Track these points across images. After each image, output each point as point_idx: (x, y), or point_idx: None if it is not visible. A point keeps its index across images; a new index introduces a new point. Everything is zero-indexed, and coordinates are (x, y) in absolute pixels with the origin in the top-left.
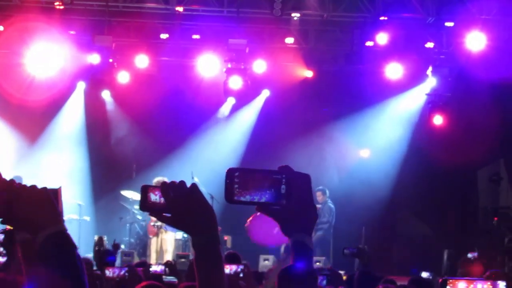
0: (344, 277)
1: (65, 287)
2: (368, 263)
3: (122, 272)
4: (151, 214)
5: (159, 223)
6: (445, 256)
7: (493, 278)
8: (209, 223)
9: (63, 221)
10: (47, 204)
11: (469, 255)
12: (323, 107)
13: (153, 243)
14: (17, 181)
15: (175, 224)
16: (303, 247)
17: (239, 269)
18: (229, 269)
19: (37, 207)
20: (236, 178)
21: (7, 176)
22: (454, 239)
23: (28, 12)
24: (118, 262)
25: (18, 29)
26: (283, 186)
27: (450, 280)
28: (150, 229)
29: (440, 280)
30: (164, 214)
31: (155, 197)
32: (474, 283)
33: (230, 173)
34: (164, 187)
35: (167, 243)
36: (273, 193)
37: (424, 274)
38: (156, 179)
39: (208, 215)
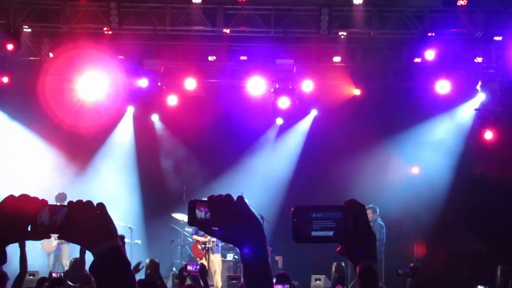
0: None
1: None
2: (421, 282)
3: None
4: (201, 229)
5: (205, 245)
6: (499, 272)
7: None
8: (256, 235)
9: (117, 237)
10: (103, 220)
11: None
12: (371, 125)
13: None
14: (62, 199)
15: (224, 238)
16: (371, 273)
17: None
18: None
19: (94, 223)
20: (303, 216)
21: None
22: (508, 254)
23: (77, 39)
24: (169, 285)
25: (67, 55)
26: (349, 220)
27: None
28: (197, 252)
29: None
30: (213, 228)
31: (200, 213)
32: None
33: (296, 212)
34: (210, 202)
35: (215, 264)
36: (339, 227)
37: None
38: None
39: (255, 227)
